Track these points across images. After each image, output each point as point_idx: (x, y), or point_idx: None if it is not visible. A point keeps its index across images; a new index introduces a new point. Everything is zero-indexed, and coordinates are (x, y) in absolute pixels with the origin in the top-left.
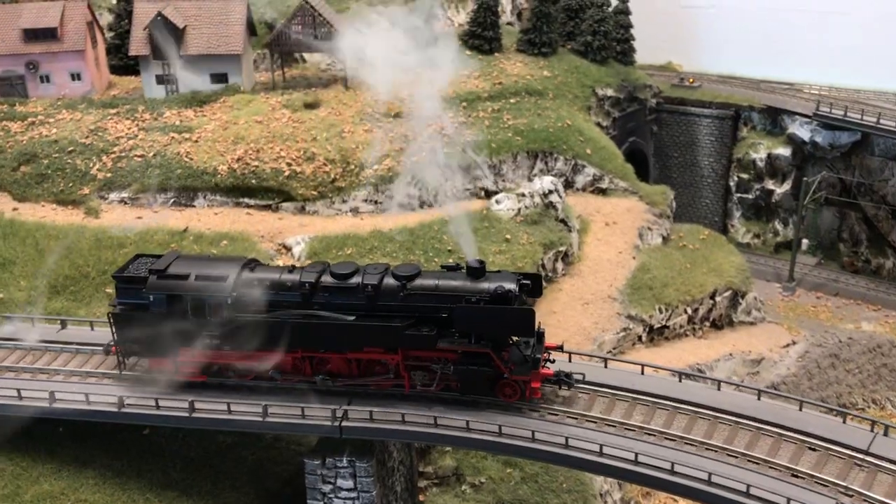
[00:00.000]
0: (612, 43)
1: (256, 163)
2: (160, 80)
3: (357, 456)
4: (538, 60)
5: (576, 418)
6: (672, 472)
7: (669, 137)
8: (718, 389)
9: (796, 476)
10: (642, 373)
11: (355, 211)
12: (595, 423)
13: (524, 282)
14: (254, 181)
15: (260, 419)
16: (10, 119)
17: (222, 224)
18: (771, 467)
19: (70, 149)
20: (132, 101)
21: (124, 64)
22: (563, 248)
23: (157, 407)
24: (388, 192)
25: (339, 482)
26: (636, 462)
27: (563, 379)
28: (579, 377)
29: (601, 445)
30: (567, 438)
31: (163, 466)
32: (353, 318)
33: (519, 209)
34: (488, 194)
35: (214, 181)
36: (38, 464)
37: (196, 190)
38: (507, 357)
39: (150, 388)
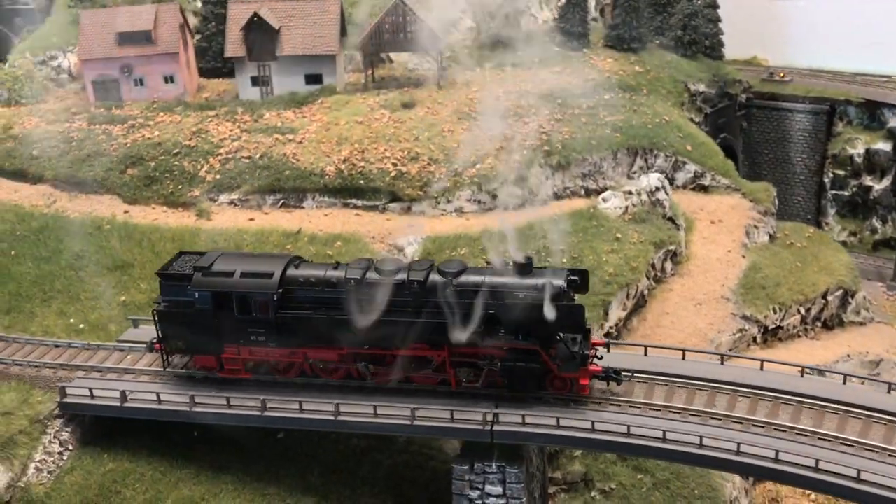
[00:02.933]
0: (702, 37)
1: (363, 163)
2: (255, 81)
3: (507, 461)
4: (628, 56)
5: (741, 423)
6: None
7: (760, 133)
8: (888, 392)
9: None
10: (802, 375)
11: (460, 210)
12: (763, 427)
13: (572, 278)
14: (361, 182)
15: (408, 423)
16: (110, 122)
17: (333, 225)
18: None
19: (175, 151)
20: (229, 103)
21: (211, 66)
22: (672, 247)
23: (301, 410)
24: (493, 192)
25: (488, 488)
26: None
27: (611, 376)
28: (628, 375)
29: (777, 452)
30: (739, 444)
31: (300, 471)
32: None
33: (626, 207)
34: (588, 192)
35: (323, 182)
36: (177, 469)
37: (305, 191)
38: (555, 353)
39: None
